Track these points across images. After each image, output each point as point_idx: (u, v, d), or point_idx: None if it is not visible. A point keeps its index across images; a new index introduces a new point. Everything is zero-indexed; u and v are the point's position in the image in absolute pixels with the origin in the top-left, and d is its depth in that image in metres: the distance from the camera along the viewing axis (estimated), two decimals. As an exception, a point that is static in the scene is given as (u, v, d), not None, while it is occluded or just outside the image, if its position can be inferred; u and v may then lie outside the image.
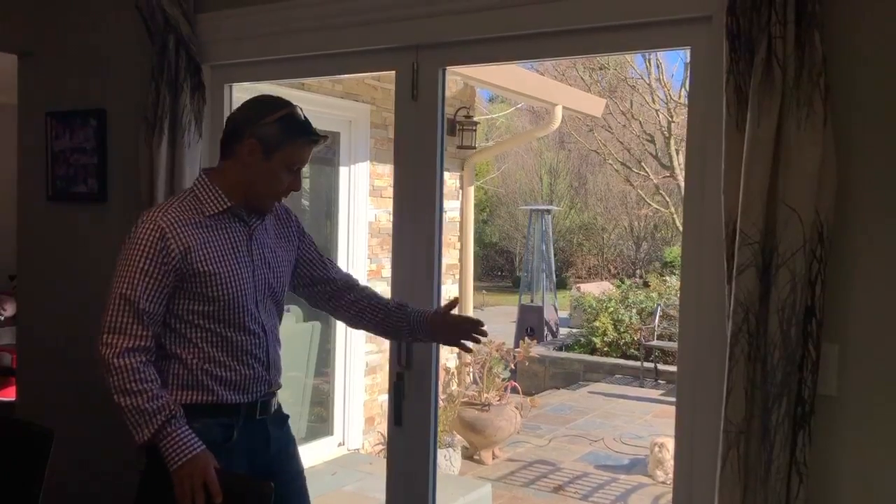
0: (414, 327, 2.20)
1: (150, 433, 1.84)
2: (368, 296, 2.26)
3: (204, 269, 1.95)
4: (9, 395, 4.60)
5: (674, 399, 2.08)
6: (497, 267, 20.33)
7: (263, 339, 2.07)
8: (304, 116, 2.02)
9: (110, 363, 1.86)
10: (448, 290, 6.48)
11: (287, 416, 2.23)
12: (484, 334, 2.21)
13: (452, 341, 2.21)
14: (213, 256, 1.97)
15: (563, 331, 11.74)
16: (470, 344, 2.21)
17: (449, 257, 6.53)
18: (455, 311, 2.26)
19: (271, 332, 2.11)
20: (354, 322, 2.28)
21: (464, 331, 2.20)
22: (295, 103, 2.04)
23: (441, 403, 4.91)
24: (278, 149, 1.96)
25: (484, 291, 15.44)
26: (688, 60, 2.01)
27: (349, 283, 2.29)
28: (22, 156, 3.25)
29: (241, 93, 2.90)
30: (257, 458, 2.07)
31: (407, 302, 2.26)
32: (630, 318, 10.00)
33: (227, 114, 2.76)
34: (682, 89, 12.92)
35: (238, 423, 2.03)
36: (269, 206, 2.08)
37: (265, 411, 2.11)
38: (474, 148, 6.60)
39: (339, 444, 5.38)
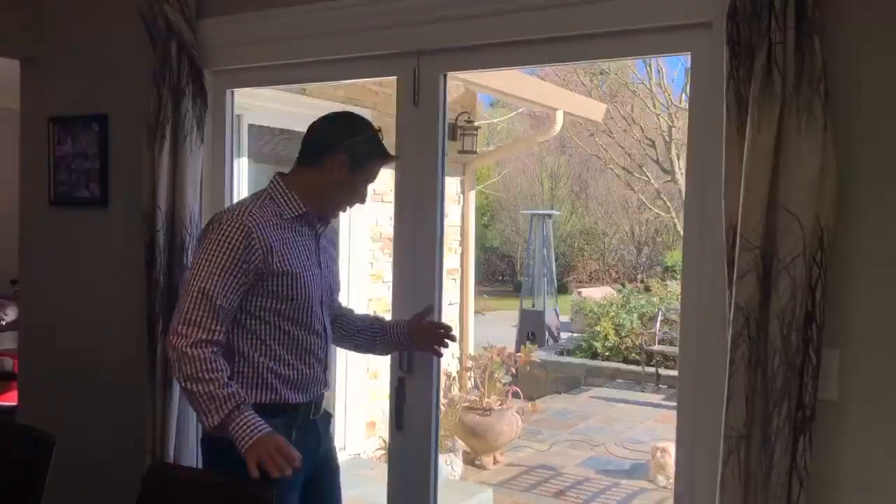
0: (391, 336, 2.32)
1: (220, 418, 1.90)
2: (352, 313, 2.41)
3: (284, 269, 2.04)
4: (10, 399, 4.60)
5: (675, 404, 2.09)
6: (498, 271, 20.33)
7: (325, 339, 2.18)
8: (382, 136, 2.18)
9: (184, 352, 1.92)
10: (449, 295, 6.49)
11: (331, 415, 2.33)
12: (453, 339, 2.33)
13: (427, 346, 2.32)
14: (292, 257, 2.07)
15: (564, 335, 11.73)
16: (441, 349, 2.32)
17: (450, 262, 6.52)
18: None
19: (330, 334, 2.23)
20: (340, 340, 2.38)
21: (437, 336, 2.31)
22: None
23: (442, 408, 4.90)
24: (363, 166, 2.11)
25: (485, 296, 15.43)
26: (688, 66, 2.01)
27: (341, 305, 2.41)
28: (24, 161, 3.25)
29: (243, 97, 2.91)
30: (311, 456, 2.13)
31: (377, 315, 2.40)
32: (631, 323, 9.99)
33: (229, 119, 2.78)
34: (683, 94, 12.93)
35: (297, 423, 2.11)
36: (337, 215, 2.24)
37: (318, 411, 2.20)
38: (475, 153, 6.60)
39: (340, 449, 5.37)
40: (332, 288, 2.25)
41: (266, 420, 2.00)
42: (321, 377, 2.17)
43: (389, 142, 2.19)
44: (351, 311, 2.41)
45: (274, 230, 2.04)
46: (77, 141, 3.03)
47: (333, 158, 2.08)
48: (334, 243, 2.33)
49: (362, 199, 2.19)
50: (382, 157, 2.14)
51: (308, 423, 2.15)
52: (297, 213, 2.11)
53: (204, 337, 1.94)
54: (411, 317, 2.31)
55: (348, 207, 2.20)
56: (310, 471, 2.12)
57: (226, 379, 1.94)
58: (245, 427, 1.90)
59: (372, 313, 2.45)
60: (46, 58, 3.15)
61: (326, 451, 2.26)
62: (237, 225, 1.99)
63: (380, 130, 2.15)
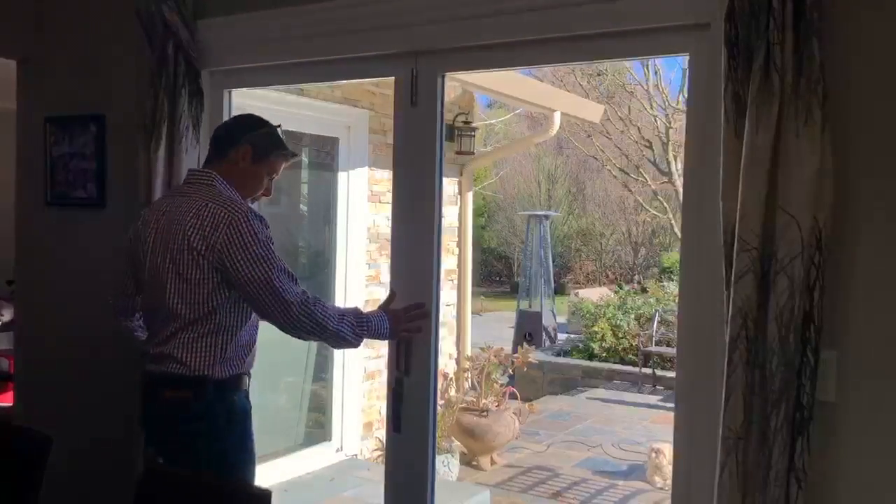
0: None
1: (362, 334, 2.20)
2: None
3: None
4: (6, 400, 4.58)
5: (672, 405, 2.09)
6: (495, 272, 20.33)
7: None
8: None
9: (309, 310, 2.12)
10: (446, 296, 6.48)
11: None
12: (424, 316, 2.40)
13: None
14: None
15: (561, 336, 11.73)
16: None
17: (447, 263, 6.52)
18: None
19: None
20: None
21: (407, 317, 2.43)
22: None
23: (439, 409, 4.90)
24: (266, 158, 2.31)
25: (482, 297, 15.44)
26: (686, 67, 2.01)
27: None
28: (21, 161, 3.25)
29: (240, 98, 2.91)
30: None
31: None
32: (628, 324, 10.00)
33: (225, 119, 2.77)
34: (680, 95, 12.94)
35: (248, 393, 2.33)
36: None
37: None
38: (473, 153, 6.60)
39: (337, 450, 5.37)
40: None
41: (241, 392, 2.27)
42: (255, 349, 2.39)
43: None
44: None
45: None
46: (74, 141, 3.03)
47: (237, 149, 2.27)
48: None
49: (268, 192, 2.38)
50: (281, 150, 2.34)
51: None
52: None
53: (304, 292, 2.14)
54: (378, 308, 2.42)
55: (257, 199, 2.38)
56: None
57: (334, 306, 2.23)
58: (377, 326, 2.23)
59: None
60: (43, 58, 3.15)
61: None
62: (256, 218, 2.17)
63: (279, 127, 2.36)
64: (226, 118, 2.77)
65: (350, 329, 2.18)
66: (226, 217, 2.13)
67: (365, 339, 2.24)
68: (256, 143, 2.29)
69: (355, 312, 2.24)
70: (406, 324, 2.30)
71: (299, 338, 2.20)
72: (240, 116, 2.42)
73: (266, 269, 2.12)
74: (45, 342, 3.19)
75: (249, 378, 2.33)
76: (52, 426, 2.35)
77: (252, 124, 2.33)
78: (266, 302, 2.12)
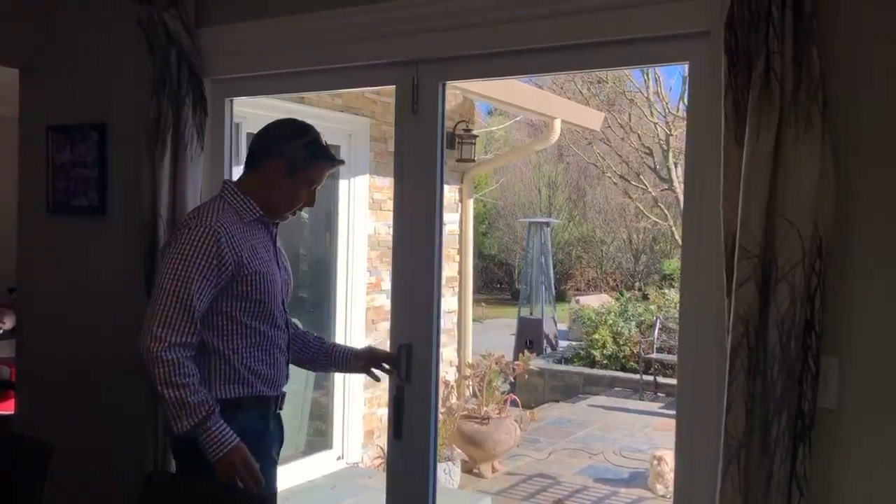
0: (333, 355, 2.47)
1: (190, 425, 1.97)
2: (305, 336, 2.48)
3: (253, 269, 2.12)
4: (7, 408, 4.58)
5: (673, 412, 2.09)
6: (496, 279, 20.32)
7: (287, 332, 2.29)
8: (325, 141, 2.23)
9: (158, 356, 1.97)
10: (447, 303, 6.48)
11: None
12: (389, 371, 2.42)
13: (366, 369, 2.46)
14: (258, 258, 2.15)
15: (562, 343, 11.72)
16: (379, 374, 2.45)
17: (448, 270, 6.52)
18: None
19: (290, 328, 2.33)
20: (301, 362, 2.49)
21: (377, 363, 2.45)
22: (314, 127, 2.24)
23: (440, 417, 4.90)
24: (302, 170, 2.16)
25: (483, 304, 15.42)
26: (686, 74, 2.02)
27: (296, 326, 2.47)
28: (22, 169, 3.25)
29: (242, 106, 2.91)
30: (279, 445, 2.30)
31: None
32: (629, 331, 9.98)
33: (228, 127, 2.78)
34: (681, 102, 12.96)
35: (269, 415, 2.23)
36: (285, 217, 2.27)
37: (282, 404, 2.30)
38: (473, 161, 6.61)
39: (339, 458, 5.36)
40: (289, 284, 2.34)
41: (246, 415, 2.13)
42: (285, 370, 2.29)
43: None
44: (303, 333, 2.47)
45: (239, 233, 2.11)
46: (76, 149, 3.03)
47: (269, 163, 2.16)
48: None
49: (309, 203, 2.24)
50: (322, 160, 2.19)
51: (275, 415, 2.27)
52: (255, 216, 2.18)
53: (178, 340, 1.99)
54: (365, 349, 2.46)
55: (297, 211, 2.26)
56: (276, 459, 2.26)
57: (197, 385, 1.99)
58: (214, 438, 1.98)
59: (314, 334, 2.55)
60: (45, 66, 3.16)
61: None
62: (206, 230, 2.05)
63: (321, 135, 2.21)
64: (227, 127, 2.78)
65: (175, 407, 1.95)
66: (179, 225, 2.12)
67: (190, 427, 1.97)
68: (291, 156, 2.14)
69: (207, 411, 1.97)
70: (239, 469, 1.99)
71: None
72: (276, 124, 2.25)
73: (160, 281, 2.02)
74: (46, 350, 3.19)
75: (270, 400, 2.21)
76: (53, 434, 2.34)
77: (288, 135, 2.18)
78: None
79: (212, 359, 2.11)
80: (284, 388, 2.30)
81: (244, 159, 2.28)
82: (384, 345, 2.59)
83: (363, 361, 2.47)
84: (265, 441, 2.20)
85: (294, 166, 2.15)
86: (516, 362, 6.56)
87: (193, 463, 2.05)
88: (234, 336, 2.13)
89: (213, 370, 2.11)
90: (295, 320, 2.43)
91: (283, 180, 2.16)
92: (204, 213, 2.13)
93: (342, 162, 2.30)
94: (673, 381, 7.86)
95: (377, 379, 2.49)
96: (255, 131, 2.29)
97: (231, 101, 2.79)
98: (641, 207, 15.81)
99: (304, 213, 5.56)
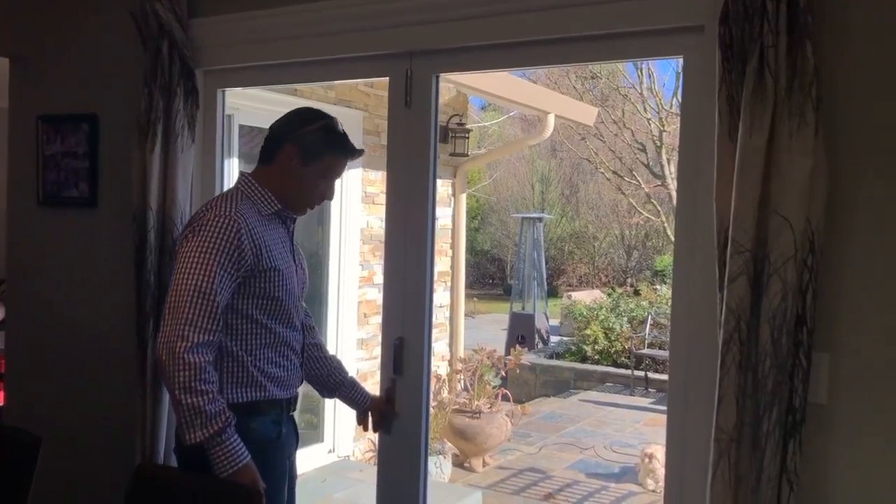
0: (346, 390, 2.42)
1: (204, 436, 1.87)
2: (320, 344, 2.42)
3: (271, 266, 2.02)
4: (-4, 400, 4.56)
5: (664, 407, 2.09)
6: (488, 275, 20.33)
7: (300, 333, 2.20)
8: (343, 129, 2.11)
9: (181, 357, 1.85)
10: (439, 298, 6.48)
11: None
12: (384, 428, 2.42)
13: (361, 417, 2.44)
14: (276, 254, 2.06)
15: (553, 339, 11.75)
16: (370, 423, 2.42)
17: (441, 265, 6.53)
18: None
19: (303, 329, 2.24)
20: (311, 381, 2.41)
21: (378, 420, 2.41)
22: (334, 116, 2.14)
23: (431, 411, 4.90)
24: (317, 158, 2.07)
25: (475, 299, 15.43)
26: (679, 70, 2.02)
27: (310, 324, 2.40)
28: (12, 160, 3.23)
29: (235, 98, 2.89)
30: (293, 449, 2.22)
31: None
32: (621, 327, 10.01)
33: (220, 119, 2.77)
34: (674, 98, 13.00)
35: (282, 419, 2.13)
36: (303, 211, 2.18)
37: (295, 406, 2.22)
38: (466, 155, 6.61)
39: (330, 452, 5.36)
40: (305, 283, 2.26)
41: (260, 419, 2.04)
42: (299, 372, 2.21)
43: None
44: (321, 348, 2.41)
45: (258, 227, 2.03)
46: (66, 140, 3.01)
47: (283, 151, 2.07)
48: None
49: (328, 195, 2.15)
50: (337, 148, 2.09)
51: (289, 417, 2.18)
52: (273, 210, 2.09)
53: (203, 339, 1.89)
54: (376, 404, 2.41)
55: (315, 204, 2.16)
56: (289, 467, 2.19)
57: (215, 393, 1.89)
58: (227, 454, 1.89)
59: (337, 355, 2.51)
60: (36, 56, 3.13)
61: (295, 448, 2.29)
62: (227, 222, 1.95)
63: (339, 122, 2.11)
64: (219, 118, 2.76)
65: (190, 414, 1.85)
66: (195, 217, 2.03)
67: (212, 434, 1.87)
68: (304, 144, 2.05)
69: (223, 423, 1.87)
70: (257, 481, 1.92)
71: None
72: (289, 113, 2.15)
73: (179, 276, 1.91)
74: (35, 342, 3.17)
75: (283, 402, 2.12)
76: (42, 427, 2.33)
77: (301, 120, 2.09)
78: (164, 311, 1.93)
79: (224, 361, 2.01)
80: (299, 390, 2.22)
81: (238, 151, 2.23)
82: (375, 339, 2.58)
83: (370, 410, 2.42)
84: (281, 448, 2.12)
85: (308, 152, 2.05)
86: (508, 357, 6.55)
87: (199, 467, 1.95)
88: (249, 336, 2.03)
89: (226, 373, 2.01)
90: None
91: (299, 168, 2.06)
92: (222, 203, 2.02)
93: (360, 151, 2.16)
94: (664, 377, 7.87)
95: (366, 429, 2.45)
96: (248, 123, 2.25)
97: (223, 92, 2.77)
98: (634, 203, 15.84)
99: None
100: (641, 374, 9.07)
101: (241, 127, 4.40)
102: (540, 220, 13.29)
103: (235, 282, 1.97)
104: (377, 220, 5.52)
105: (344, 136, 2.11)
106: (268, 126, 2.19)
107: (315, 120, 2.09)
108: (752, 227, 1.74)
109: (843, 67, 1.76)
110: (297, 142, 2.06)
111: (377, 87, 5.37)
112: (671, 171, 13.37)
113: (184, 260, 1.95)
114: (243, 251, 1.96)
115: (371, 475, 2.70)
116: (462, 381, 6.15)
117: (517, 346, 8.03)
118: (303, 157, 2.05)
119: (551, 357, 10.25)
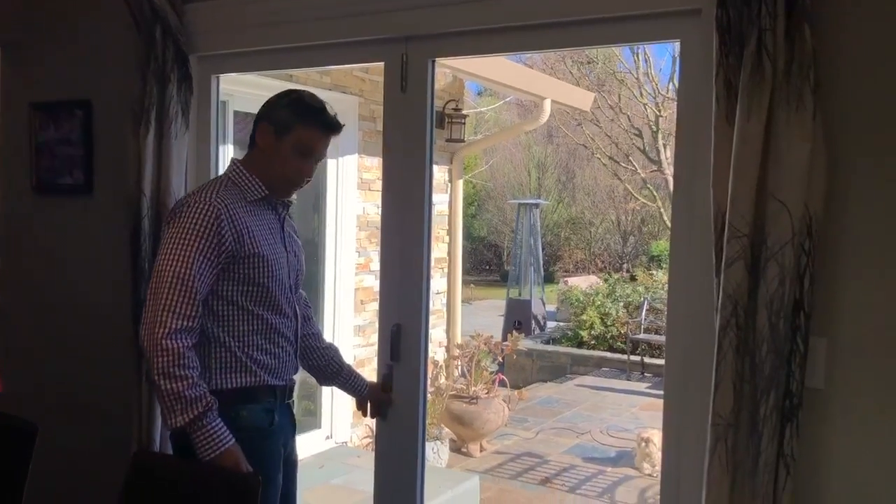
0: (344, 378, 2.43)
1: (185, 420, 1.88)
2: (321, 345, 2.43)
3: (254, 252, 2.01)
4: (-7, 388, 4.55)
5: (660, 392, 2.09)
6: (485, 261, 20.34)
7: (294, 322, 2.17)
8: (320, 104, 2.09)
9: (160, 343, 1.87)
10: (436, 284, 6.48)
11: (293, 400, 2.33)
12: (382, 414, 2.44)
13: (360, 404, 2.45)
14: (260, 240, 2.04)
15: (550, 324, 11.77)
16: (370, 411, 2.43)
17: (437, 251, 6.52)
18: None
19: (299, 317, 2.22)
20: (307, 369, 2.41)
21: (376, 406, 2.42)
22: (312, 91, 2.14)
23: (429, 396, 4.91)
24: (289, 131, 2.05)
25: (472, 285, 15.45)
26: (676, 54, 2.01)
27: (308, 314, 2.39)
28: (5, 147, 3.21)
29: (229, 84, 2.87)
30: (289, 438, 2.20)
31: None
32: (617, 312, 10.04)
33: (214, 105, 2.75)
34: (670, 83, 12.96)
35: (276, 407, 2.11)
36: (286, 192, 2.15)
37: (291, 394, 2.21)
38: (463, 141, 6.59)
39: (327, 438, 5.37)
40: (299, 271, 2.23)
41: (250, 407, 2.04)
42: (293, 360, 2.19)
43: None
44: (318, 337, 2.43)
45: (241, 212, 2.02)
46: (60, 127, 2.99)
47: (259, 130, 2.08)
48: (296, 232, 2.28)
49: (305, 172, 2.10)
50: (306, 118, 2.05)
51: (284, 405, 2.17)
52: (260, 196, 2.09)
53: (182, 325, 1.89)
54: (374, 391, 2.41)
55: (296, 182, 2.11)
56: (287, 452, 2.18)
57: (196, 378, 1.89)
58: (209, 437, 1.88)
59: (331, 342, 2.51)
60: (29, 42, 3.10)
61: (293, 437, 2.27)
62: (206, 207, 1.96)
63: (315, 96, 2.11)
64: (213, 104, 2.75)
65: (170, 400, 1.85)
66: (177, 204, 2.04)
67: (195, 417, 1.87)
68: (276, 119, 2.06)
69: (204, 407, 1.87)
70: (240, 464, 1.91)
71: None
72: (272, 96, 2.16)
73: (160, 263, 1.92)
74: (30, 330, 3.16)
75: (276, 389, 2.10)
76: (37, 415, 2.33)
77: (276, 98, 2.11)
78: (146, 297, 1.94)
79: (212, 347, 2.00)
80: (295, 377, 2.20)
81: (233, 137, 2.23)
82: (372, 325, 2.58)
83: (369, 398, 2.43)
84: (274, 436, 2.09)
85: (279, 125, 2.05)
86: (505, 343, 6.57)
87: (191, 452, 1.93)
88: (235, 322, 2.02)
89: (214, 359, 2.01)
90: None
91: (273, 143, 2.06)
92: (203, 190, 2.04)
93: (334, 125, 2.11)
94: (659, 362, 7.89)
95: (364, 414, 2.45)
96: (243, 109, 2.24)
97: (217, 78, 2.75)
98: (630, 189, 15.85)
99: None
100: (637, 358, 9.10)
101: (236, 113, 4.38)
102: (536, 205, 13.28)
103: (217, 267, 1.97)
104: (374, 207, 5.50)
105: (315, 107, 2.08)
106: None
107: (286, 95, 2.11)
108: (750, 211, 1.73)
109: (842, 51, 1.75)
110: (269, 117, 2.07)
111: (372, 73, 5.34)
112: (668, 157, 13.36)
113: (164, 246, 1.97)
114: (223, 236, 1.95)
115: (369, 461, 2.71)
116: (459, 367, 6.16)
117: (514, 331, 8.05)
118: (276, 132, 2.06)
119: (548, 342, 10.28)
